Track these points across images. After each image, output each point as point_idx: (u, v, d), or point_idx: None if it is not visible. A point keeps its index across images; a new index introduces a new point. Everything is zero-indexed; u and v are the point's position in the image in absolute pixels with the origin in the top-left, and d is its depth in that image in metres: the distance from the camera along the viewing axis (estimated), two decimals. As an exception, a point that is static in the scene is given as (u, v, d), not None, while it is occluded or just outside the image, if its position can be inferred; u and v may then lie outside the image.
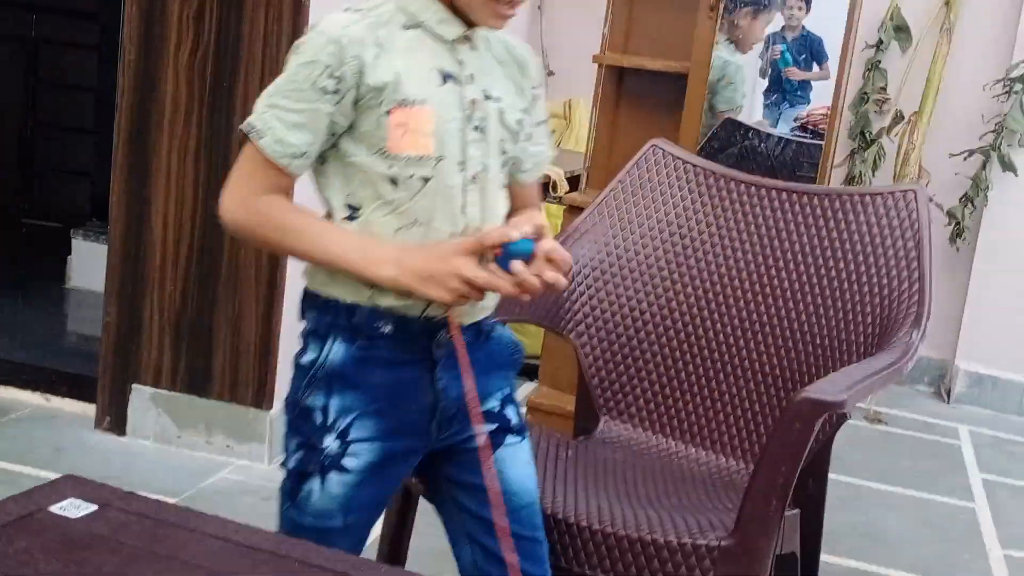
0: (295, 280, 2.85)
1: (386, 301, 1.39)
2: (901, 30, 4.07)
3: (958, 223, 4.03)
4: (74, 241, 4.27)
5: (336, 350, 1.42)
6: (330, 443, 1.44)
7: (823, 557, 1.98)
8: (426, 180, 1.38)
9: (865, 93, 4.14)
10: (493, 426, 1.50)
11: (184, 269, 2.82)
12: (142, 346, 2.87)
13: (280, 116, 1.36)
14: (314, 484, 1.44)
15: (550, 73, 4.55)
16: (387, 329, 1.40)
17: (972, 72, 4.04)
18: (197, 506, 1.86)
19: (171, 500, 1.96)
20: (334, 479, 1.44)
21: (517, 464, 1.51)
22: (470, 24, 1.42)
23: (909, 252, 1.90)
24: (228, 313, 2.81)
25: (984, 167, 4.00)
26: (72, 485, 1.37)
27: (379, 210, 1.39)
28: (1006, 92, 3.97)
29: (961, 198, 4.04)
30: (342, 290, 1.41)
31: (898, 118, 4.08)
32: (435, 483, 1.56)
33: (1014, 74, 3.96)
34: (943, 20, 4.00)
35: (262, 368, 2.82)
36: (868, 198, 1.95)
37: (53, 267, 4.32)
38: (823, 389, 1.55)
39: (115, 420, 2.91)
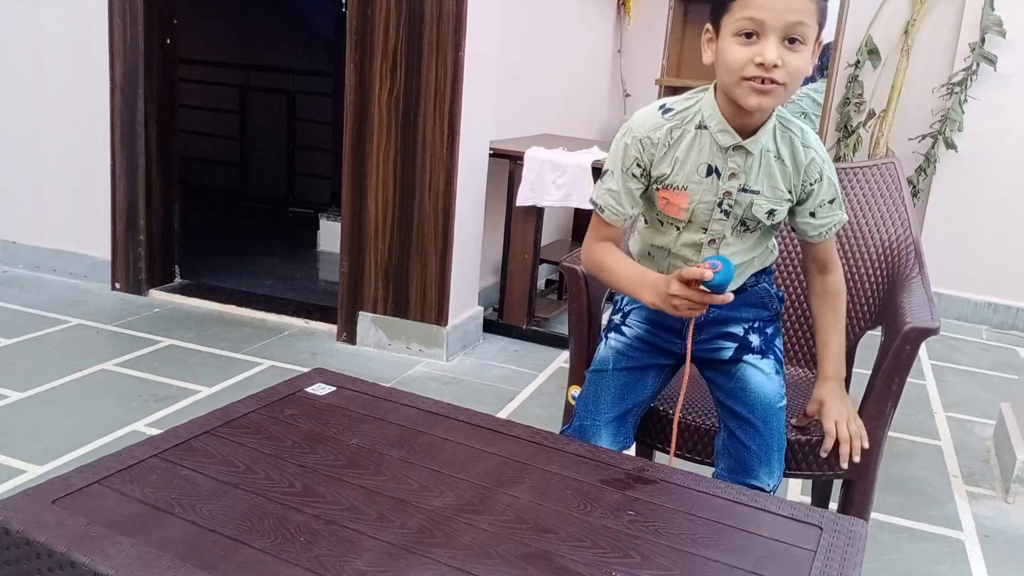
0: (461, 241, 2.86)
1: None
2: (873, 52, 3.82)
3: (914, 187, 3.80)
4: (321, 220, 4.35)
5: None
6: (616, 317, 1.47)
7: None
8: (679, 229, 1.35)
9: (847, 98, 3.92)
10: (734, 345, 1.39)
11: (389, 236, 2.84)
12: (364, 286, 2.91)
13: (612, 194, 1.34)
14: (601, 345, 1.46)
15: (627, 95, 4.42)
16: None
17: (924, 80, 3.78)
18: (401, 388, 1.88)
19: (384, 384, 1.99)
20: (613, 337, 1.45)
21: (757, 374, 1.38)
22: (743, 131, 1.27)
23: (900, 209, 1.73)
24: (418, 263, 2.82)
25: (933, 147, 3.74)
26: (319, 374, 1.41)
27: (652, 226, 1.39)
28: (948, 93, 3.70)
29: (916, 169, 3.80)
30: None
31: (871, 115, 3.86)
32: (709, 385, 1.45)
33: (954, 80, 3.69)
34: (903, 44, 3.74)
35: (440, 299, 2.82)
36: (860, 171, 1.81)
37: (308, 238, 4.42)
38: (921, 319, 1.37)
39: (349, 335, 2.97)
